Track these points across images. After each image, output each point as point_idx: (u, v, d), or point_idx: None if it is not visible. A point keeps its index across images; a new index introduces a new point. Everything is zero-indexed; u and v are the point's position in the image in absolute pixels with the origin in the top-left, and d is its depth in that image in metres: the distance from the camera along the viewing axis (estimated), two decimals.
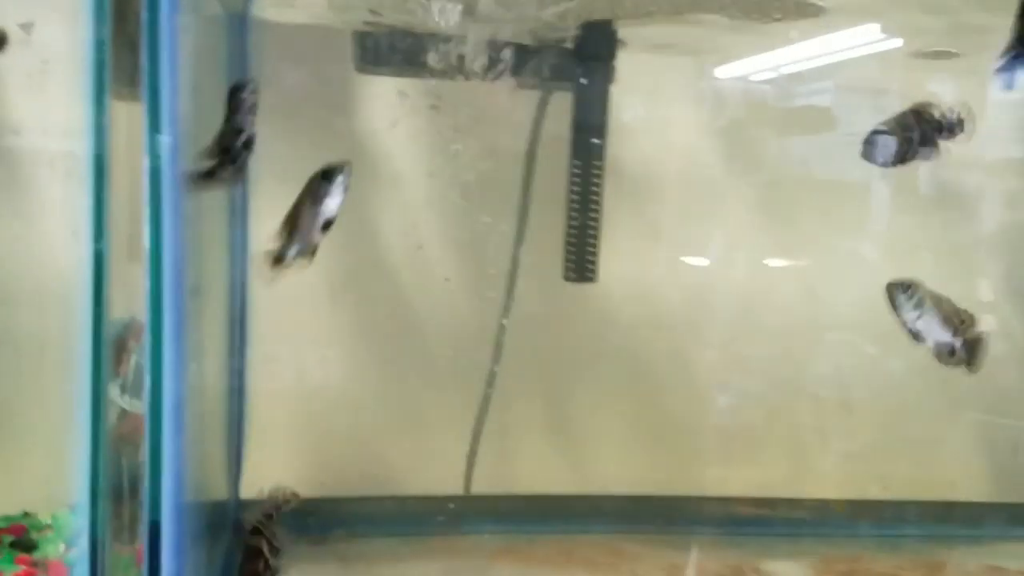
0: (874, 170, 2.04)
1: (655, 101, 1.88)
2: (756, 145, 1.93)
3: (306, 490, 1.74)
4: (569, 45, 1.61)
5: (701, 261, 1.93)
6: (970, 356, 1.36)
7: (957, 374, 2.00)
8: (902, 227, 2.00)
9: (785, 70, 1.84)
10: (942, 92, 1.98)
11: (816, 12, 1.43)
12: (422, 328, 1.86)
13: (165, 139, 0.84)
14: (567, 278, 1.68)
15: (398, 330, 1.85)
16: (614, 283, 1.84)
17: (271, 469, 1.67)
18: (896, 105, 1.97)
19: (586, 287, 1.78)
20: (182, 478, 0.83)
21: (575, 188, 1.63)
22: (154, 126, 0.82)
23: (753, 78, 1.86)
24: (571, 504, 1.80)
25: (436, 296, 1.85)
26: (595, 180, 1.62)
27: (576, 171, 1.62)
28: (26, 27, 1.63)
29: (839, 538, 1.75)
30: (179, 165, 0.82)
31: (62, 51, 1.53)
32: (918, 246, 2.01)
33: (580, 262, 1.66)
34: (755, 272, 1.94)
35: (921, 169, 2.03)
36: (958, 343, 1.35)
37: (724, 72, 1.86)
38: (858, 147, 1.44)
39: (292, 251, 1.18)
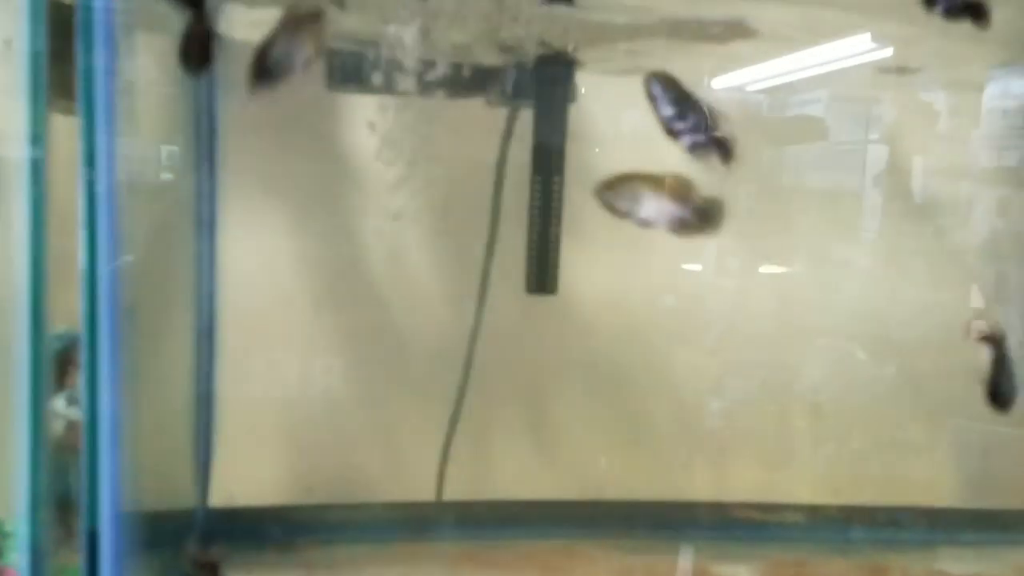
0: (866, 179, 2.10)
1: (625, 115, 1.93)
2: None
3: (278, 497, 1.80)
4: (529, 66, 1.66)
5: (679, 269, 1.97)
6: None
7: (941, 377, 2.05)
8: (895, 234, 2.04)
9: (752, 87, 1.89)
10: (926, 102, 2.05)
11: (751, 33, 1.47)
12: (393, 339, 1.90)
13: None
14: (529, 290, 1.73)
15: (370, 341, 1.90)
16: (588, 293, 1.89)
17: (241, 476, 1.72)
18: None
19: (559, 297, 1.82)
20: (121, 487, 0.87)
21: (536, 203, 1.67)
22: (88, 143, 0.86)
23: (721, 94, 1.91)
24: (538, 509, 1.84)
25: (408, 307, 1.90)
26: (555, 195, 1.66)
27: (537, 187, 1.67)
28: (7, 43, 1.70)
29: (800, 542, 1.78)
30: (115, 182, 0.86)
31: None
32: (911, 253, 2.06)
33: (542, 274, 1.70)
34: (738, 280, 1.98)
35: (914, 177, 2.08)
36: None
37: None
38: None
39: None
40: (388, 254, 1.88)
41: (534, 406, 1.96)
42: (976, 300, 2.17)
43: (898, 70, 1.87)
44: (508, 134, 1.79)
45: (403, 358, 1.86)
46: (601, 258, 1.92)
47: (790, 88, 1.90)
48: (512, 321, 1.83)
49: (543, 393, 1.95)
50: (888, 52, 1.75)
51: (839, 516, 1.87)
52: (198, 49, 1.20)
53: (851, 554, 1.69)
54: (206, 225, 1.57)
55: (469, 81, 1.69)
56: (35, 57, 0.91)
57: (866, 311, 2.02)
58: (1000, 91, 2.09)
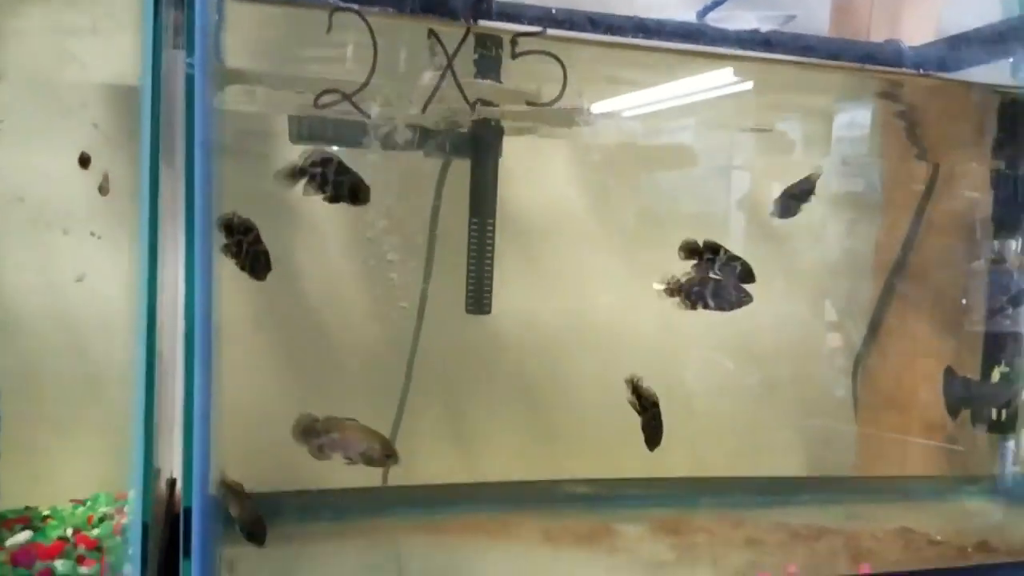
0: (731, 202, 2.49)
1: (539, 168, 2.34)
2: (619, 192, 2.40)
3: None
4: (464, 130, 2.05)
5: (580, 293, 2.36)
6: None
7: (796, 383, 2.49)
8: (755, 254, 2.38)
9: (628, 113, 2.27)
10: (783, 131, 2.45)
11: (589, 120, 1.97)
12: (344, 352, 2.25)
13: None
14: (468, 311, 2.12)
15: (322, 356, 2.24)
16: (508, 314, 2.27)
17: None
18: None
19: (485, 318, 2.20)
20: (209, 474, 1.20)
21: (473, 239, 2.06)
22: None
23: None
24: (468, 491, 2.19)
25: (358, 324, 2.25)
26: (489, 233, 2.06)
27: (474, 227, 2.06)
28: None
29: (680, 507, 2.20)
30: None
31: None
32: (770, 271, 2.29)
33: (478, 298, 2.09)
34: (622, 300, 2.39)
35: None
36: None
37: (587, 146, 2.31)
38: None
39: None
40: (342, 278, 2.22)
41: (467, 405, 2.34)
42: (829, 314, 2.57)
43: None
44: (441, 182, 2.17)
45: (358, 367, 2.22)
46: (522, 284, 2.32)
47: (661, 116, 2.21)
48: (454, 336, 2.21)
49: (474, 394, 2.34)
50: (749, 85, 2.10)
51: (707, 486, 2.34)
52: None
53: (719, 512, 2.14)
54: None
55: (412, 139, 2.05)
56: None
57: (733, 325, 2.41)
58: (847, 122, 2.40)
